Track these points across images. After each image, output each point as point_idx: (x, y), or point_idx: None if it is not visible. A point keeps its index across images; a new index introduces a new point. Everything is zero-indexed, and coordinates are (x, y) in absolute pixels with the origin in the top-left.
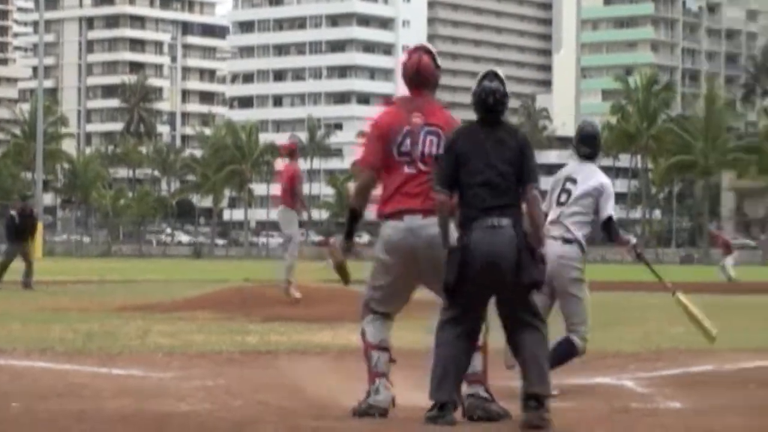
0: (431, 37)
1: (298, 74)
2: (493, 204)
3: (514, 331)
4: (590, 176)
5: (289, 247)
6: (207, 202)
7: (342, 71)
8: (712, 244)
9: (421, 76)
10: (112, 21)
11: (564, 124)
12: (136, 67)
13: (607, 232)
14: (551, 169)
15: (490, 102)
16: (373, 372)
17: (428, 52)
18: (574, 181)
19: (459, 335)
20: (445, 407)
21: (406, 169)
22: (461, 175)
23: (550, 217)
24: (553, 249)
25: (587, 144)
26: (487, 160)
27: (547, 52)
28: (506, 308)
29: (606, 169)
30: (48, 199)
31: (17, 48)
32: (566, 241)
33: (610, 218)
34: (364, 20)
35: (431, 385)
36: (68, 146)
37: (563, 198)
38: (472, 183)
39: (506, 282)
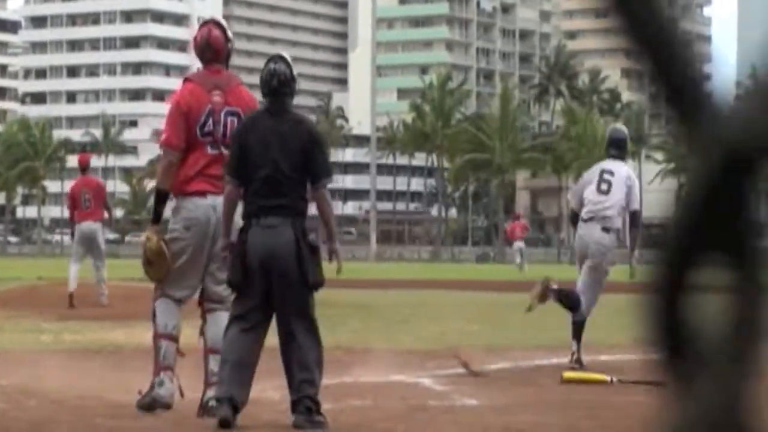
0: None
1: (92, 70)
2: (272, 203)
3: (289, 332)
4: (621, 169)
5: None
6: None
7: (137, 68)
8: (510, 234)
9: (212, 48)
10: None
11: (360, 123)
12: None
13: (631, 223)
14: (347, 167)
15: (274, 84)
16: (160, 364)
17: (218, 25)
18: (611, 173)
19: (245, 331)
20: (221, 401)
21: (209, 150)
22: (247, 166)
23: (592, 205)
24: (592, 233)
25: (616, 146)
26: (269, 154)
27: (343, 51)
28: (283, 308)
29: (401, 168)
30: None
31: None
32: (605, 229)
33: (635, 211)
34: (159, 17)
35: (215, 380)
36: None
37: (604, 187)
38: (255, 177)
39: (285, 282)
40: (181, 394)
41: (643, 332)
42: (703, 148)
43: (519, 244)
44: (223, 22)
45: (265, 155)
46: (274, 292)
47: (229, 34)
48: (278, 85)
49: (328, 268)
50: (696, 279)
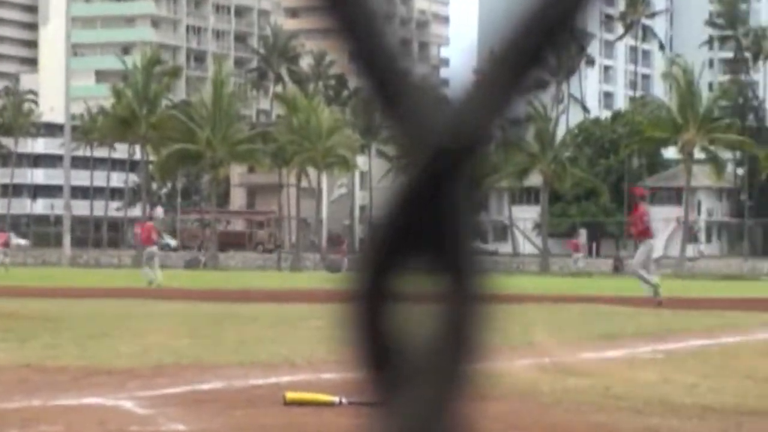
0: None
1: None
2: None
3: None
4: None
5: None
6: None
7: None
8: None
9: None
10: None
11: (52, 108)
12: None
13: None
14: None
15: None
16: None
17: None
18: None
19: None
20: None
21: None
22: None
23: None
24: None
25: None
26: None
27: (32, 26)
28: None
29: (99, 161)
30: None
31: None
32: None
33: None
34: None
35: None
36: None
37: None
38: None
39: None
40: None
41: (344, 344)
42: (408, 144)
43: (152, 250)
44: None
45: None
46: None
47: None
48: None
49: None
50: (399, 286)
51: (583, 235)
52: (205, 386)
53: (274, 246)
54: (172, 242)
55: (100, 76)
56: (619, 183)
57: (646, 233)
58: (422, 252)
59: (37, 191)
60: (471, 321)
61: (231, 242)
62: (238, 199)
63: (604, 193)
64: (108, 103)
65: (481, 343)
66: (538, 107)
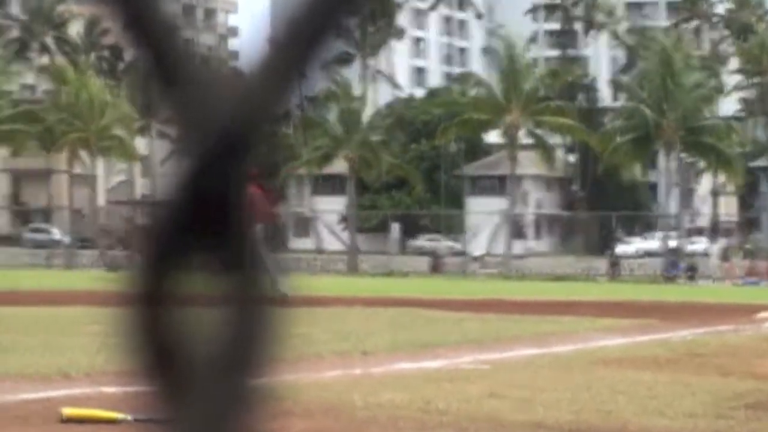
0: None
1: None
2: None
3: None
4: None
5: None
6: None
7: None
8: None
9: None
10: None
11: None
12: None
13: None
14: None
15: None
16: None
17: None
18: None
19: None
20: None
21: None
22: None
23: None
24: None
25: None
26: None
27: None
28: None
29: None
30: None
31: None
32: None
33: None
34: None
35: None
36: None
37: None
38: None
39: None
40: None
41: (123, 353)
42: (189, 125)
43: None
44: None
45: None
46: None
47: None
48: None
49: None
50: (180, 287)
51: (395, 229)
52: None
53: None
54: None
55: None
56: (435, 171)
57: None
58: (206, 248)
59: None
60: (261, 327)
61: None
62: (1, 186)
63: (418, 182)
64: None
65: (273, 352)
66: (342, 84)
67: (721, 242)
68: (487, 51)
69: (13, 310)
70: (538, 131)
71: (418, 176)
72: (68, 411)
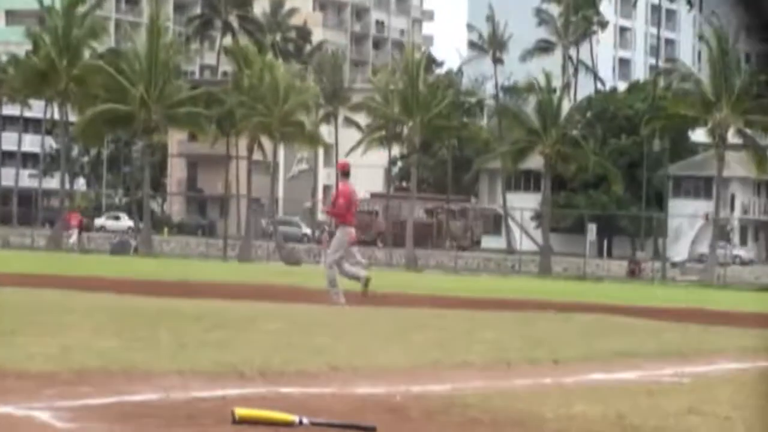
0: None
1: None
2: None
3: None
4: None
5: None
6: None
7: None
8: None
9: None
10: None
11: None
12: None
13: None
14: None
15: None
16: None
17: None
18: None
19: None
20: None
21: None
22: None
23: None
24: None
25: None
26: None
27: None
28: None
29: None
30: None
31: None
32: None
33: None
34: None
35: None
36: None
37: None
38: None
39: None
40: None
41: None
42: None
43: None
44: None
45: None
46: None
47: None
48: None
49: None
50: None
51: (592, 230)
52: (137, 397)
53: (470, 242)
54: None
55: (12, 17)
56: (635, 169)
57: (344, 218)
58: None
59: None
60: None
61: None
62: (177, 171)
63: (618, 180)
64: (21, 50)
65: None
66: (540, 75)
67: None
68: (702, 41)
69: (186, 303)
70: (749, 131)
71: (618, 174)
72: (241, 411)
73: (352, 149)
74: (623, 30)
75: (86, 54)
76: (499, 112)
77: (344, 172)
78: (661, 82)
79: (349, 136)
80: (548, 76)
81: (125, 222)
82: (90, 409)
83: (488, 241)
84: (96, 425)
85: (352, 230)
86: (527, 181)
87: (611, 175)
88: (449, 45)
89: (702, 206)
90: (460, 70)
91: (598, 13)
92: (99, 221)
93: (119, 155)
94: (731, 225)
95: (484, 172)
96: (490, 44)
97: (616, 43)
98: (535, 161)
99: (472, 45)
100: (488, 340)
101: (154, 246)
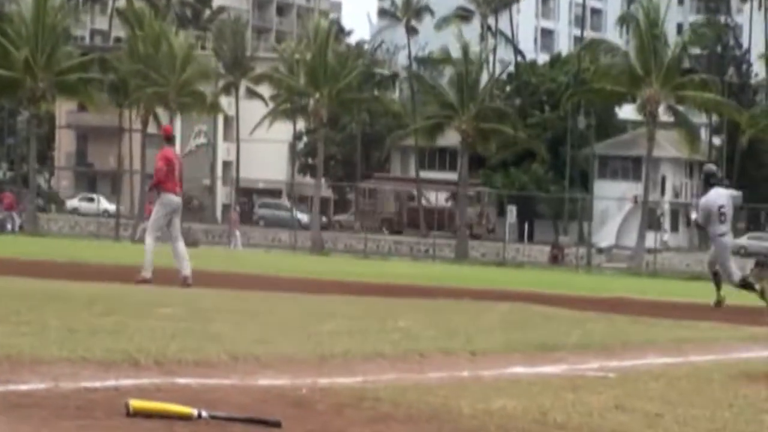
0: None
1: None
2: None
3: None
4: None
5: None
6: None
7: None
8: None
9: None
10: None
11: None
12: None
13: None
14: None
15: None
16: None
17: None
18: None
19: None
20: None
21: None
22: None
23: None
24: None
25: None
26: None
27: None
28: None
29: None
30: None
31: None
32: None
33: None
34: None
35: None
36: None
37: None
38: None
39: None
40: None
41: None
42: None
43: None
44: None
45: None
46: None
47: None
48: None
49: None
50: None
51: (511, 213)
52: (23, 387)
53: (487, 230)
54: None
55: None
56: (558, 146)
57: (165, 184)
58: None
59: None
60: None
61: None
62: (65, 144)
63: (542, 154)
64: None
65: None
66: (458, 45)
67: None
68: (624, 17)
69: (76, 286)
70: (680, 108)
71: (542, 149)
72: (136, 403)
73: (258, 125)
74: None
75: None
76: (412, 81)
77: (167, 137)
78: (586, 55)
79: (252, 108)
80: (466, 46)
81: (103, 204)
82: None
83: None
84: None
85: (175, 198)
86: (442, 158)
87: (535, 147)
88: (359, 12)
89: (630, 188)
90: (375, 40)
91: None
92: (72, 203)
93: (3, 126)
94: (662, 209)
95: (397, 149)
96: (404, 12)
97: (538, 13)
98: (451, 138)
99: (383, 12)
100: (401, 330)
101: (40, 225)
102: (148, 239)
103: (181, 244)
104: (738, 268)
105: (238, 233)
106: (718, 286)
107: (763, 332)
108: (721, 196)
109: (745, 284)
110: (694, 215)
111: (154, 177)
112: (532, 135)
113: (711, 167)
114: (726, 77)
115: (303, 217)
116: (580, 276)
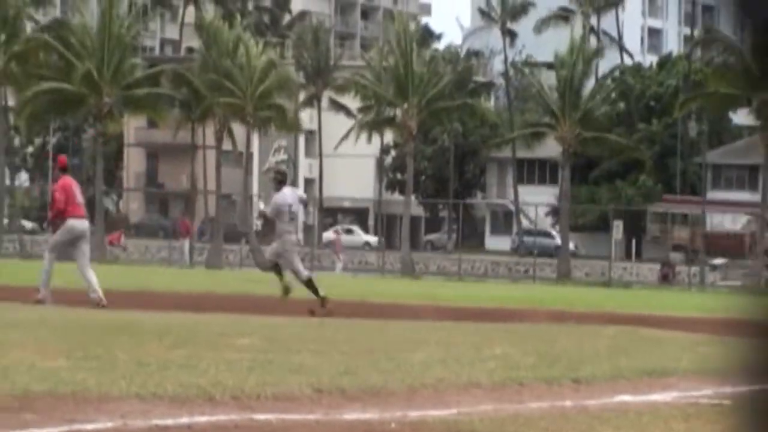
0: None
1: None
2: None
3: None
4: None
5: None
6: None
7: None
8: None
9: None
10: None
11: None
12: None
13: None
14: None
15: None
16: None
17: None
18: None
19: None
20: None
21: None
22: None
23: None
24: None
25: None
26: None
27: None
28: None
29: None
30: None
31: None
32: None
33: None
34: None
35: None
36: None
37: None
38: None
39: None
40: None
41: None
42: None
43: None
44: None
45: None
46: None
47: None
48: None
49: None
50: None
51: (617, 228)
52: (90, 426)
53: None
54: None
55: None
56: (667, 157)
57: (66, 212)
58: None
59: None
60: None
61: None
62: (134, 163)
63: (649, 166)
64: None
65: None
66: (558, 48)
67: None
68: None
69: (145, 316)
70: None
71: (649, 160)
72: None
73: (343, 139)
74: None
75: (28, 27)
76: (509, 88)
77: (62, 168)
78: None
79: (335, 122)
80: (573, 48)
81: None
82: None
83: (495, 242)
84: None
85: (77, 222)
86: (542, 171)
87: (641, 156)
88: (450, 14)
89: (746, 199)
90: (467, 44)
91: None
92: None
93: (67, 145)
94: None
95: (492, 162)
96: (501, 12)
97: (644, 11)
98: (551, 148)
99: (481, 14)
100: (498, 357)
101: (108, 251)
102: (46, 259)
103: (89, 272)
104: None
105: (342, 257)
106: None
107: None
108: None
109: None
110: None
111: (52, 209)
112: (639, 145)
113: None
114: None
115: (371, 239)
116: (693, 295)
